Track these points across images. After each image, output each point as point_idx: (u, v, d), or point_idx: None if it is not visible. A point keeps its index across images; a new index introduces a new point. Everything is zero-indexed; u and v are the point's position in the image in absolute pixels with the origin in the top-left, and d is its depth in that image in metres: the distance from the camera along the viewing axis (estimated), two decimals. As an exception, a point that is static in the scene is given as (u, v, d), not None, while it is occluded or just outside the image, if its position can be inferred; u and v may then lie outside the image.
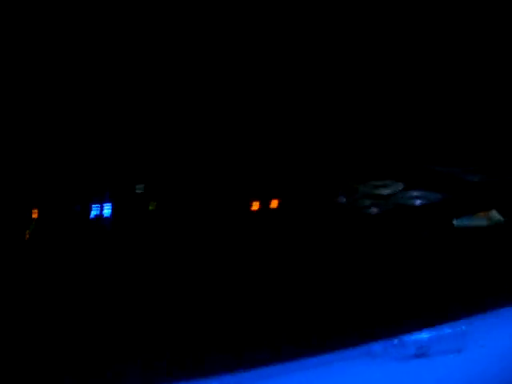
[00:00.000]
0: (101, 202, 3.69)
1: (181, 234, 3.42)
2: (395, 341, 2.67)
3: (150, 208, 3.70)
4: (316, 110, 4.05)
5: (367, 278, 3.08)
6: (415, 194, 3.64)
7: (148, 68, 4.06)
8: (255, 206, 3.57)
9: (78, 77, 4.01)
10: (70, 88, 3.99)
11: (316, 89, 4.05)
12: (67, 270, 3.18)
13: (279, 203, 3.57)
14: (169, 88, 3.99)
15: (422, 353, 2.64)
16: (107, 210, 3.67)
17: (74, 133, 3.91)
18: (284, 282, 3.03)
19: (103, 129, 3.93)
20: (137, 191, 3.82)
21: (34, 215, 3.68)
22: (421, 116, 4.13)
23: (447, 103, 4.17)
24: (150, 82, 4.02)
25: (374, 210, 3.51)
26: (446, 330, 2.71)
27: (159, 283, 3.09)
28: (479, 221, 3.45)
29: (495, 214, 3.47)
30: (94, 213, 3.65)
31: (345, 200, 3.62)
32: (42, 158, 3.89)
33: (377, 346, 2.68)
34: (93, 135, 3.90)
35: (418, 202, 3.60)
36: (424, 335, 2.67)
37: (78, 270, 3.18)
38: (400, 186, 3.71)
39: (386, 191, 3.67)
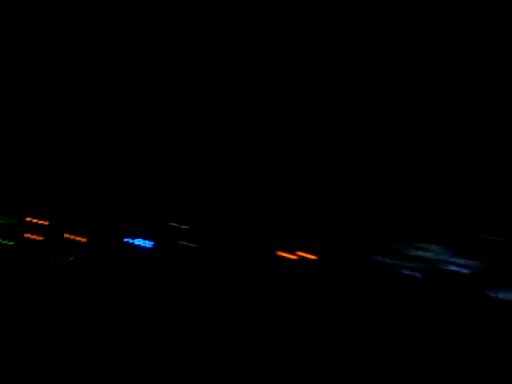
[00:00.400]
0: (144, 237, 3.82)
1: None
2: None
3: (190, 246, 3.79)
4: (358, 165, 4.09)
5: (398, 340, 3.10)
6: (456, 260, 3.64)
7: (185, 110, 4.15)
8: (294, 257, 3.62)
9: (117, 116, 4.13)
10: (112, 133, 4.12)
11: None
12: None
13: (319, 258, 3.61)
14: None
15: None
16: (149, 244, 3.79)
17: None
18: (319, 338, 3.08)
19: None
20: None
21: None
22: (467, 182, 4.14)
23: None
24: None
25: (413, 272, 3.52)
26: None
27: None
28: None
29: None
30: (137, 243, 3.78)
31: (381, 258, 3.64)
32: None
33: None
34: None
35: (457, 268, 3.60)
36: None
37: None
38: (441, 251, 3.72)
39: (426, 254, 3.68)
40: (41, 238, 3.86)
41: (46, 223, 4.02)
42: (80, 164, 4.21)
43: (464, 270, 3.60)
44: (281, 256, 3.58)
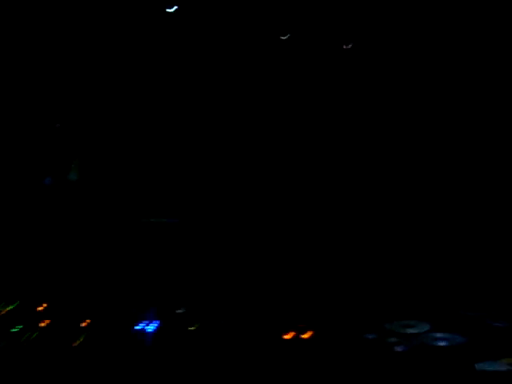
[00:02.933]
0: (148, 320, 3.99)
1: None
2: None
3: (192, 328, 3.95)
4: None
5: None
6: (440, 335, 3.82)
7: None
8: (289, 335, 3.80)
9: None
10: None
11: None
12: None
13: (312, 335, 3.79)
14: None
15: None
16: (152, 327, 3.95)
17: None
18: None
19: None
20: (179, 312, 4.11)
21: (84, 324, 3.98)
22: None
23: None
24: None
25: (400, 348, 3.69)
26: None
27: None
28: (500, 366, 3.57)
29: (517, 361, 3.60)
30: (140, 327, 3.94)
31: (372, 336, 3.81)
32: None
33: None
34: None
35: (441, 343, 3.77)
36: None
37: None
38: (426, 327, 3.90)
39: (411, 330, 3.86)
40: (45, 323, 4.01)
41: (45, 306, 4.17)
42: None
43: (449, 344, 3.77)
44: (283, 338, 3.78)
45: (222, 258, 4.46)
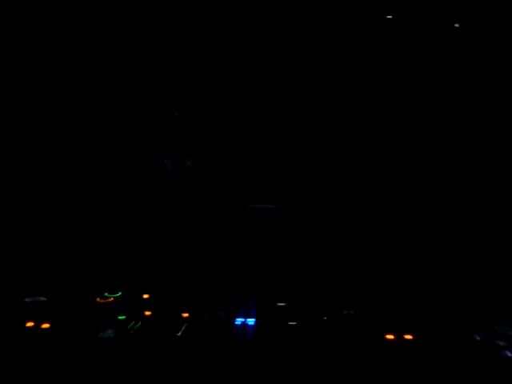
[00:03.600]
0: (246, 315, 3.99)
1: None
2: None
3: (291, 323, 3.93)
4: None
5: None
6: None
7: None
8: (391, 336, 3.72)
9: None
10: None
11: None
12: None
13: (414, 338, 3.70)
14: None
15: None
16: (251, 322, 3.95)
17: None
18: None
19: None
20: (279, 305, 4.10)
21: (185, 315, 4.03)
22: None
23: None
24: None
25: (508, 353, 3.56)
26: None
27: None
28: None
29: None
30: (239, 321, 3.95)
31: (480, 338, 3.68)
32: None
33: None
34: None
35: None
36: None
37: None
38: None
39: (523, 334, 3.71)
40: (148, 313, 4.08)
41: (147, 296, 4.25)
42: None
43: None
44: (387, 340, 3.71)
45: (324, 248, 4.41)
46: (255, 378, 3.38)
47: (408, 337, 3.70)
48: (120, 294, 4.30)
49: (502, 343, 3.63)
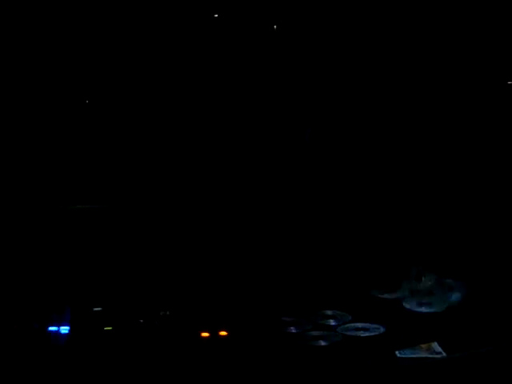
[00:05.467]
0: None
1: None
2: None
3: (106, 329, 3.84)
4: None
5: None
6: (360, 325, 3.82)
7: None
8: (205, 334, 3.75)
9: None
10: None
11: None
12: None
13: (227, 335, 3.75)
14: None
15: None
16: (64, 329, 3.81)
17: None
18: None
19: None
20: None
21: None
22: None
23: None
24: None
25: (322, 342, 3.67)
26: None
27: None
28: (421, 352, 3.61)
29: (436, 346, 3.64)
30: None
31: (294, 330, 3.78)
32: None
33: None
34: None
35: (362, 333, 3.77)
36: None
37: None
38: (347, 317, 3.90)
39: (333, 322, 3.85)
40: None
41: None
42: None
43: (368, 334, 3.78)
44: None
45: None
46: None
47: (223, 333, 3.73)
48: None
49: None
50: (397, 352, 3.56)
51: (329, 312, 3.94)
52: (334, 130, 4.49)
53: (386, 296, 4.13)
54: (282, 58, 4.41)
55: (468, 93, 4.43)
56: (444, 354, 3.54)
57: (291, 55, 4.40)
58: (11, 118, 4.33)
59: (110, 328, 3.82)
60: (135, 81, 4.35)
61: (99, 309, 4.00)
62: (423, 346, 3.62)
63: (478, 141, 4.43)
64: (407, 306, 4.06)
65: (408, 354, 3.55)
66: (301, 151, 4.43)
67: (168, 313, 3.94)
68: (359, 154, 4.46)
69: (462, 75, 4.44)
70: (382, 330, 3.77)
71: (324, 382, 3.36)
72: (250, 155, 4.42)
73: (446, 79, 4.45)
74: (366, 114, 4.46)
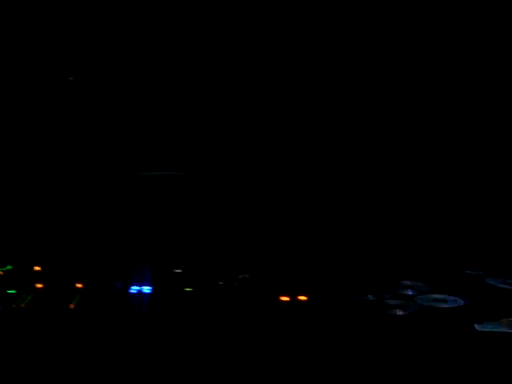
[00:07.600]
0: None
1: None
2: None
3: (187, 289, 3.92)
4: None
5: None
6: (439, 296, 3.78)
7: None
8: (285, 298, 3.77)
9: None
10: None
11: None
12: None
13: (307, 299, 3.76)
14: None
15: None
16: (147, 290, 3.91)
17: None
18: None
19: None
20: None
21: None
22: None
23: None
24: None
25: (400, 311, 3.66)
26: None
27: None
28: (501, 327, 3.55)
29: (517, 322, 3.58)
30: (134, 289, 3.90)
31: (372, 298, 3.77)
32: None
33: None
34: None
35: (442, 304, 3.73)
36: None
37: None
38: (425, 288, 3.86)
39: (411, 292, 3.82)
40: (40, 286, 3.97)
41: (39, 269, 4.13)
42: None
43: (447, 305, 3.74)
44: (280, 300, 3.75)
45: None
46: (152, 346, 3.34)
47: (302, 298, 3.76)
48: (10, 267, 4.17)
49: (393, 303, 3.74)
50: (476, 325, 3.52)
51: (407, 282, 3.93)
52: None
53: (469, 272, 4.08)
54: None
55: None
56: (526, 327, 3.48)
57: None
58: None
59: (190, 289, 3.90)
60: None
61: (180, 271, 4.09)
62: (504, 320, 3.57)
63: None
64: (490, 281, 4.00)
65: (487, 327, 3.51)
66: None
67: (247, 276, 3.99)
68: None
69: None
70: (461, 302, 3.74)
71: (399, 352, 3.34)
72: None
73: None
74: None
